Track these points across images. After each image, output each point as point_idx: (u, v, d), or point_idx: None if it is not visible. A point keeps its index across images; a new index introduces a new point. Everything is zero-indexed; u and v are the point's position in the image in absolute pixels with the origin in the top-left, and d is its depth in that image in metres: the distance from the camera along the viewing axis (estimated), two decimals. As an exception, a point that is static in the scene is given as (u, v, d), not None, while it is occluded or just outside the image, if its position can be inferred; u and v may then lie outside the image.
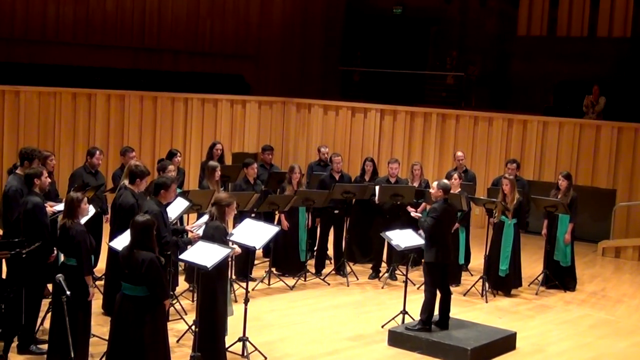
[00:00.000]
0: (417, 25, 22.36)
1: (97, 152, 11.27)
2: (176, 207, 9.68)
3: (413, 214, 11.72)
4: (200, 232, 8.76)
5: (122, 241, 8.13)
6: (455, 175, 12.12)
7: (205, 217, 8.71)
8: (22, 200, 8.58)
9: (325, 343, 9.50)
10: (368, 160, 13.19)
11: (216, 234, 8.16)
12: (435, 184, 9.69)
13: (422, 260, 9.60)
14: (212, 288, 8.11)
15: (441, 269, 9.54)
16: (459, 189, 12.01)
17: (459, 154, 13.74)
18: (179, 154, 12.30)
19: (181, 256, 8.25)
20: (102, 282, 10.30)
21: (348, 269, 12.41)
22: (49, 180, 8.94)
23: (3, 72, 16.24)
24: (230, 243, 8.42)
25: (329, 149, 15.67)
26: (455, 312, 10.49)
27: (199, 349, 7.99)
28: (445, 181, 9.70)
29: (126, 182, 9.51)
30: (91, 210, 9.03)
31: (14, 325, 8.33)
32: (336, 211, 12.57)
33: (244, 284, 9.94)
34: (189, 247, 8.42)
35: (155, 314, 7.10)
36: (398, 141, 18.00)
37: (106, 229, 10.75)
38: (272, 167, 13.62)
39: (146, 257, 7.01)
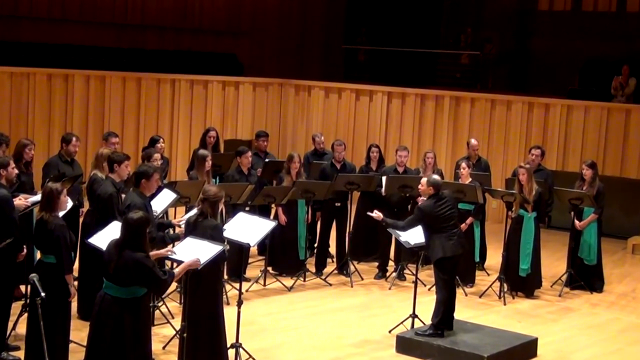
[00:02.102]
0: (429, -2, 22.35)
1: (74, 139, 11.25)
2: (162, 200, 9.66)
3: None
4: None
5: (103, 237, 8.10)
6: (464, 164, 12.09)
7: (194, 211, 8.65)
8: None
9: (327, 350, 9.48)
10: (374, 147, 13.14)
11: (216, 235, 8.07)
12: (424, 180, 9.64)
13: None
14: (214, 291, 8.12)
15: (452, 265, 9.53)
16: (470, 180, 11.97)
17: (473, 142, 13.69)
18: (161, 141, 12.30)
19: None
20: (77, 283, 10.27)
21: (352, 268, 12.39)
22: (16, 171, 8.93)
23: (-29, 50, 16.24)
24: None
25: (331, 135, 15.66)
26: (470, 316, 10.49)
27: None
28: (436, 177, 9.67)
29: (96, 171, 9.51)
30: (69, 203, 8.99)
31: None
32: (338, 204, 12.54)
33: (237, 285, 9.92)
34: (176, 243, 8.40)
35: (138, 317, 7.09)
36: (407, 127, 17.96)
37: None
38: (267, 155, 13.59)
39: (132, 258, 6.97)
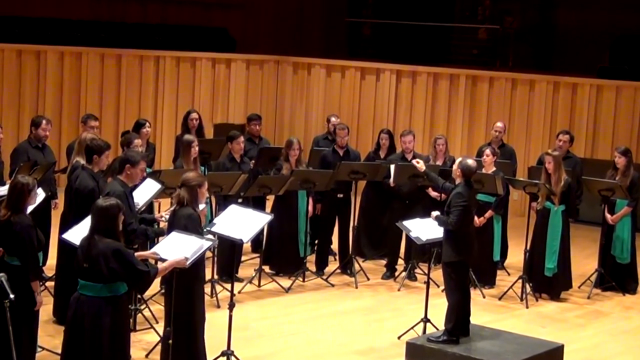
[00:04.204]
0: (442, -34, 22.30)
1: (44, 122, 11.27)
2: (145, 191, 9.62)
3: (433, 194, 11.61)
4: None
5: (79, 233, 8.06)
6: (487, 151, 12.05)
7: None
8: None
9: (329, 358, 9.48)
10: (384, 133, 13.13)
11: (189, 225, 8.05)
12: (458, 161, 9.58)
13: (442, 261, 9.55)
14: (189, 290, 8.08)
15: (466, 267, 9.56)
16: (493, 168, 11.93)
17: (499, 124, 13.62)
18: (147, 125, 12.28)
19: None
20: (53, 284, 10.26)
21: (356, 267, 12.37)
22: None
23: None
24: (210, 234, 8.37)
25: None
26: (489, 320, 10.48)
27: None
28: (470, 162, 9.57)
29: (79, 159, 9.46)
30: (40, 194, 8.97)
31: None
32: (340, 195, 12.51)
33: (228, 286, 9.90)
34: (160, 238, 8.36)
35: (116, 318, 7.10)
36: (418, 109, 17.93)
37: (55, 216, 10.72)
38: (261, 140, 13.57)
39: (108, 246, 6.95)
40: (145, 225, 9.05)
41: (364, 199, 13.20)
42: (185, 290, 8.06)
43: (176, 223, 8.13)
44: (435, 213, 9.51)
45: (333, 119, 13.95)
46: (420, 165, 10.90)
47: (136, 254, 7.50)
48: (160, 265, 7.47)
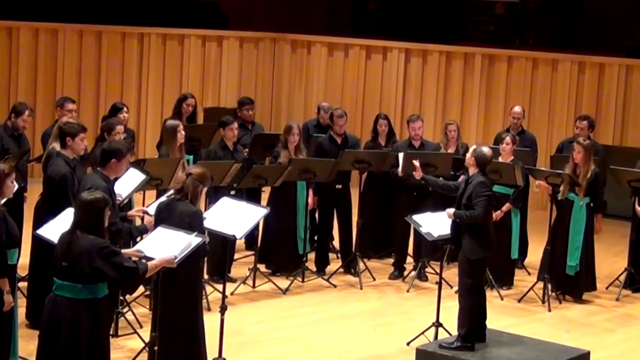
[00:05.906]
0: None
1: (27, 112, 11.25)
2: (128, 182, 9.60)
3: None
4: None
5: (55, 228, 8.06)
6: (508, 139, 12.04)
7: (164, 198, 8.61)
8: None
9: (331, 366, 9.50)
10: (382, 119, 13.10)
11: (195, 224, 8.05)
12: (472, 148, 9.53)
13: (464, 259, 9.51)
14: (190, 291, 8.08)
15: (484, 265, 9.59)
16: (512, 157, 11.92)
17: (517, 109, 13.61)
18: (125, 110, 12.27)
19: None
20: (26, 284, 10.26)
21: (361, 266, 12.37)
22: None
23: None
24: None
25: (336, 103, 15.58)
26: (507, 325, 10.48)
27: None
28: (485, 149, 9.54)
29: (55, 144, 9.46)
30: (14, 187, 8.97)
31: None
32: (338, 186, 12.50)
33: (219, 286, 9.89)
34: (144, 236, 8.36)
35: (96, 323, 7.09)
36: (429, 92, 17.93)
37: (27, 209, 10.71)
38: (254, 126, 13.54)
39: (93, 243, 6.95)
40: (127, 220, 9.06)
41: (365, 191, 13.13)
42: (186, 294, 8.09)
43: (175, 219, 8.10)
44: (450, 210, 9.44)
45: (322, 112, 13.77)
46: (417, 173, 10.76)
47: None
48: (150, 263, 7.46)
